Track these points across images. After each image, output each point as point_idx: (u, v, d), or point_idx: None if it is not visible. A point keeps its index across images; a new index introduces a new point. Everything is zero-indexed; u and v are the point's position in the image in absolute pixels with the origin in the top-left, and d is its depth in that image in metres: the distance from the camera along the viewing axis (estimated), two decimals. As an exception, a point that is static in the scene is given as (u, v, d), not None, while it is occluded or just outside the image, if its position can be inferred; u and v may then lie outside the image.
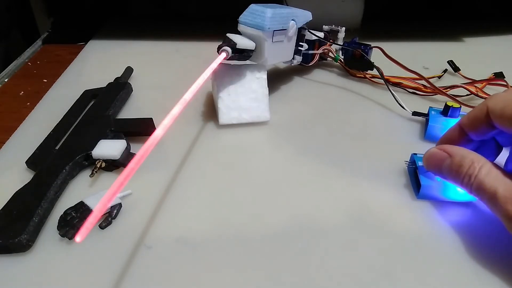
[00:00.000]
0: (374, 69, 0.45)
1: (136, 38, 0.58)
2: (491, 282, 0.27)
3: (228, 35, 0.37)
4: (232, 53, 0.35)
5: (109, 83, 0.45)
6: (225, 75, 0.39)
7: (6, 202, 0.31)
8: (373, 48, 0.47)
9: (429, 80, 0.43)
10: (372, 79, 0.48)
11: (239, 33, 0.38)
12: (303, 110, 0.43)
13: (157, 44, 0.57)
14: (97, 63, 0.53)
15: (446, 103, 0.38)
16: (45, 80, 0.50)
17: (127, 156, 0.35)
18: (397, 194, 0.33)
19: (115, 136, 0.37)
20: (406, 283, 0.27)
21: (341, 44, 0.49)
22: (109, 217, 0.30)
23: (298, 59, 0.44)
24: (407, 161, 0.35)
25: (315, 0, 0.57)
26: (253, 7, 0.38)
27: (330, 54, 0.50)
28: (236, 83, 0.39)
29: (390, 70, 0.45)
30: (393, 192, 0.33)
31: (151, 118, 0.38)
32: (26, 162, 0.35)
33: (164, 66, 0.52)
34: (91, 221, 0.21)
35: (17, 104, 0.46)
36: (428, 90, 0.45)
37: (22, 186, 0.32)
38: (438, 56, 0.53)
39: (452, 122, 0.37)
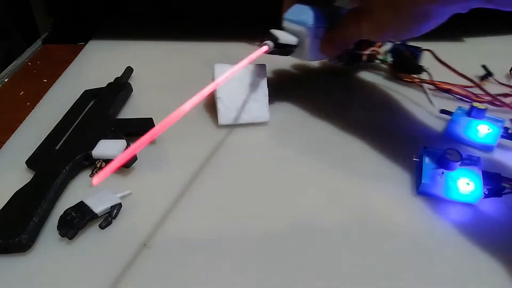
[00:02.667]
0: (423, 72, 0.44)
1: (136, 38, 0.58)
2: (492, 282, 0.27)
3: (272, 30, 0.37)
4: (274, 47, 0.36)
5: (109, 83, 0.45)
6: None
7: (6, 202, 0.31)
8: (424, 51, 0.46)
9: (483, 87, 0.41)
10: (419, 83, 0.46)
11: (280, 29, 0.39)
12: (303, 110, 0.43)
13: (157, 44, 0.57)
14: (97, 63, 0.53)
15: (472, 104, 0.37)
16: (45, 80, 0.50)
17: (127, 156, 0.35)
18: (399, 195, 0.33)
19: (115, 136, 0.37)
20: (406, 283, 0.27)
21: (391, 46, 0.47)
22: (109, 217, 0.30)
23: (344, 58, 0.43)
24: (415, 156, 0.35)
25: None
26: (298, 5, 0.38)
27: (378, 56, 0.48)
28: (236, 83, 0.39)
29: (438, 73, 0.45)
30: (395, 192, 0.33)
31: (151, 118, 0.38)
32: (26, 162, 0.35)
33: (164, 66, 0.52)
34: (114, 165, 0.22)
35: (17, 104, 0.46)
36: (480, 99, 0.42)
37: (22, 186, 0.32)
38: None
39: (475, 123, 0.37)
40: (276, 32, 0.37)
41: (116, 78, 0.47)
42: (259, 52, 0.35)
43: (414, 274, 0.27)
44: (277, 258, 0.28)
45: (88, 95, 0.44)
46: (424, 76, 0.46)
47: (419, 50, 0.46)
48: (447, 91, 0.44)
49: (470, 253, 0.28)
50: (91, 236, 0.30)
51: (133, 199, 0.33)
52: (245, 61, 0.33)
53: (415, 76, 0.46)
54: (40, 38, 0.62)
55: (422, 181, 0.32)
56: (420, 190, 0.32)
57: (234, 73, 0.32)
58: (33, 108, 0.44)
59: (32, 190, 0.32)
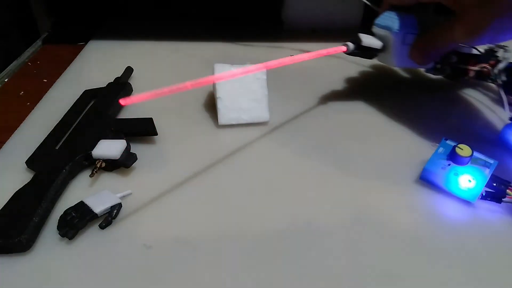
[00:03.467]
0: None
1: (136, 38, 0.58)
2: (491, 282, 0.27)
3: (359, 34, 0.38)
4: (356, 49, 0.37)
5: (109, 83, 0.45)
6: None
7: (6, 202, 0.31)
8: None
9: None
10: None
11: (372, 34, 0.39)
12: (303, 110, 0.43)
13: (157, 44, 0.57)
14: (97, 63, 0.53)
15: None
16: (45, 80, 0.50)
17: (127, 156, 0.35)
18: (399, 195, 0.33)
19: (115, 136, 0.37)
20: (406, 283, 0.27)
21: (505, 64, 0.39)
22: (109, 217, 0.30)
23: (444, 70, 0.41)
24: (434, 143, 0.35)
25: (315, 0, 0.58)
26: (390, 11, 0.39)
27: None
28: (236, 83, 0.39)
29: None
30: (395, 192, 0.33)
31: (151, 118, 0.38)
32: (26, 162, 0.35)
33: (164, 66, 0.52)
34: (157, 93, 0.22)
35: (17, 104, 0.46)
36: None
37: (22, 186, 0.32)
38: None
39: None
40: (361, 35, 0.38)
41: (116, 78, 0.47)
42: (337, 50, 0.36)
43: (414, 274, 0.27)
44: (277, 258, 0.28)
45: (88, 95, 0.44)
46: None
47: None
48: None
49: (471, 254, 0.28)
50: (91, 236, 0.30)
51: (133, 199, 0.33)
52: (313, 54, 0.34)
53: None
54: (40, 38, 0.62)
55: (425, 167, 0.32)
56: (422, 175, 0.33)
57: (284, 64, 0.32)
58: (33, 108, 0.44)
59: (32, 190, 0.32)
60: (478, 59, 0.40)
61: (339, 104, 0.45)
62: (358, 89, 0.47)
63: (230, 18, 0.63)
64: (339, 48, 0.37)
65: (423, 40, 0.37)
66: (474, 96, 0.45)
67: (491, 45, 0.41)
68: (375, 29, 0.39)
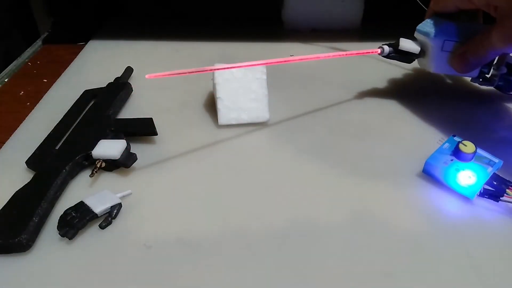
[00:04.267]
0: None
1: (136, 38, 0.58)
2: (492, 282, 0.27)
3: (401, 38, 0.40)
4: (393, 52, 0.39)
5: (109, 83, 0.45)
6: (225, 76, 0.39)
7: (6, 202, 0.31)
8: None
9: None
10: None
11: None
12: (303, 110, 0.43)
13: (157, 44, 0.57)
14: (97, 63, 0.53)
15: None
16: (45, 80, 0.50)
17: (127, 156, 0.35)
18: (398, 194, 0.33)
19: (115, 136, 0.37)
20: (406, 283, 0.27)
21: None
22: (109, 217, 0.30)
23: (492, 81, 0.40)
24: (440, 140, 0.35)
25: (315, 0, 0.58)
26: (433, 17, 0.39)
27: None
28: (236, 83, 0.39)
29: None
30: (394, 192, 0.33)
31: (151, 118, 0.38)
32: (26, 162, 0.35)
33: (164, 66, 0.52)
34: (182, 72, 0.27)
35: (17, 104, 0.46)
36: None
37: (22, 186, 0.32)
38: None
39: None
40: (402, 40, 0.40)
41: (116, 78, 0.47)
42: (370, 51, 0.38)
43: (414, 274, 0.27)
44: (277, 258, 0.28)
45: (88, 95, 0.44)
46: None
47: None
48: None
49: (471, 254, 0.28)
50: (91, 236, 0.30)
51: (133, 199, 0.33)
52: (345, 53, 0.36)
53: None
54: (40, 38, 0.62)
55: (427, 160, 0.33)
56: (424, 169, 0.34)
57: (287, 62, 0.33)
58: (33, 108, 0.44)
59: (32, 190, 0.32)
60: None
61: (339, 103, 0.45)
62: (358, 89, 0.47)
63: (230, 18, 0.63)
64: (374, 51, 0.39)
65: (462, 47, 0.37)
66: (489, 101, 0.45)
67: None
68: (416, 35, 0.40)
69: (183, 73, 0.29)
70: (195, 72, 0.30)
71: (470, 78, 0.41)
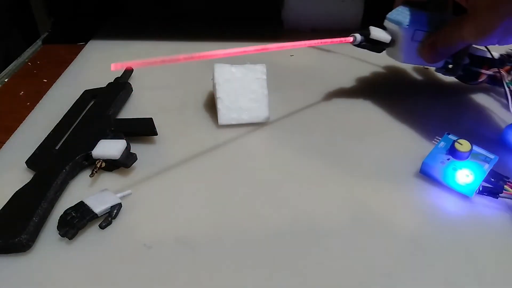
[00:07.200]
0: None
1: (136, 38, 0.58)
2: (491, 282, 0.27)
3: (370, 27, 0.38)
4: (364, 41, 0.38)
5: (109, 83, 0.45)
6: (225, 76, 0.39)
7: (6, 202, 0.31)
8: None
9: None
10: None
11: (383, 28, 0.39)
12: (303, 110, 0.43)
13: (157, 44, 0.57)
14: (97, 63, 0.53)
15: None
16: (45, 80, 0.50)
17: (127, 156, 0.35)
18: (397, 193, 0.33)
19: (115, 136, 0.37)
20: (406, 283, 0.27)
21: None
22: (109, 217, 0.30)
23: (455, 71, 0.40)
24: (436, 139, 0.35)
25: (315, 0, 0.57)
26: (403, 7, 0.38)
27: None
28: (236, 83, 0.39)
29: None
30: (395, 188, 0.33)
31: (151, 118, 0.38)
32: (26, 162, 0.35)
33: (164, 66, 0.52)
34: (149, 61, 0.24)
35: (17, 104, 0.46)
36: None
37: (22, 186, 0.32)
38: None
39: None
40: (372, 28, 0.38)
41: (116, 78, 0.47)
42: (343, 40, 0.37)
43: (414, 274, 0.27)
44: (277, 258, 0.28)
45: (88, 95, 0.44)
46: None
47: None
48: None
49: (471, 253, 0.28)
50: (91, 236, 0.30)
51: (133, 199, 0.33)
52: (317, 42, 0.35)
53: None
54: (40, 38, 0.62)
55: (424, 160, 0.33)
56: (421, 169, 0.34)
57: (264, 50, 0.32)
58: (33, 108, 0.44)
59: (32, 190, 0.32)
60: (492, 63, 0.40)
61: (339, 103, 0.45)
62: (359, 88, 0.47)
63: (230, 18, 0.63)
64: (346, 39, 0.37)
65: (432, 37, 0.37)
66: (479, 97, 0.45)
67: (508, 51, 0.41)
68: (386, 23, 0.39)
69: (153, 63, 0.28)
70: (168, 62, 0.29)
71: (435, 68, 0.41)
